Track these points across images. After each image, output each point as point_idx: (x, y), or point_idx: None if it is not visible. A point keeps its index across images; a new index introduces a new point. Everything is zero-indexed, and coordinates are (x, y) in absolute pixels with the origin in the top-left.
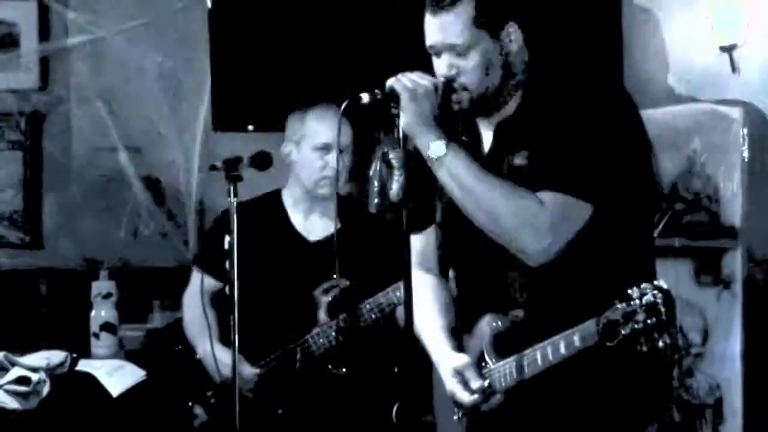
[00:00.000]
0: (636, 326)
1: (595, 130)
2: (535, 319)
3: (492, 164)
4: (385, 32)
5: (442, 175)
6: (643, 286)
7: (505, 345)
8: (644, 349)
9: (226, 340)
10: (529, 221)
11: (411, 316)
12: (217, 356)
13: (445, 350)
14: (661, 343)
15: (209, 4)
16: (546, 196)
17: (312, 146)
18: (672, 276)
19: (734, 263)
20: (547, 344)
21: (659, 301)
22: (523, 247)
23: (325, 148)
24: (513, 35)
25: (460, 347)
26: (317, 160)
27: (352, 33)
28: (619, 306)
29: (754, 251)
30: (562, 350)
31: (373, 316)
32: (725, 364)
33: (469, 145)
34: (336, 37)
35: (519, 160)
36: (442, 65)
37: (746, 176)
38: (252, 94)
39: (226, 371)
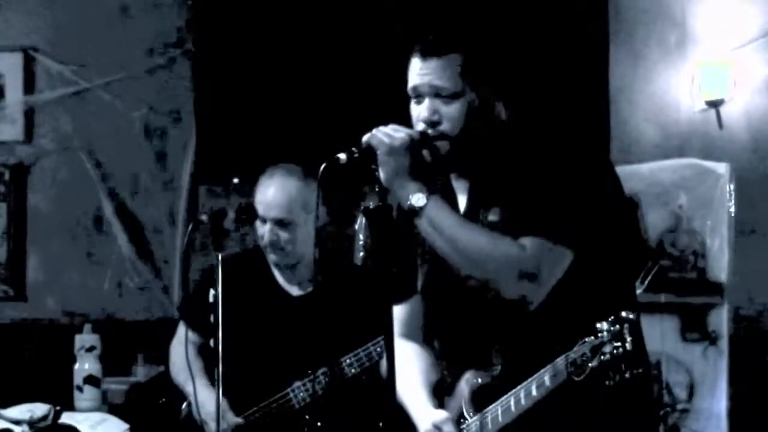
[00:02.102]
0: (603, 358)
1: (571, 180)
2: (513, 372)
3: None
4: (367, 85)
5: (424, 226)
6: (610, 318)
7: (483, 399)
8: (612, 382)
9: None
10: (513, 266)
11: (393, 374)
12: (203, 400)
13: (425, 407)
14: (628, 375)
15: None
16: (527, 241)
17: (258, 214)
18: (658, 332)
19: (720, 319)
20: (520, 389)
21: (625, 330)
22: (508, 292)
23: (262, 220)
24: (497, 93)
25: (441, 406)
26: (258, 228)
27: (338, 85)
28: (587, 340)
29: (741, 307)
30: (534, 392)
31: (353, 371)
32: (711, 421)
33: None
34: (321, 89)
35: (492, 216)
36: (424, 110)
37: (733, 232)
38: (236, 148)
39: (210, 418)
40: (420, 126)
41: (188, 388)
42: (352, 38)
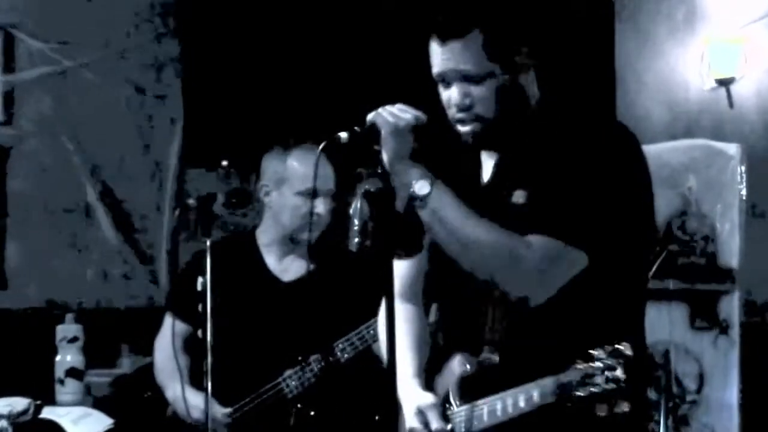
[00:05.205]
0: (592, 389)
1: (599, 176)
2: (507, 364)
3: (489, 196)
4: (364, 66)
5: (425, 215)
6: (606, 348)
7: (471, 389)
8: (602, 414)
9: (197, 384)
10: (515, 265)
11: (394, 357)
12: (188, 399)
13: (412, 387)
14: (617, 410)
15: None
16: (536, 239)
17: (295, 191)
18: (666, 320)
19: (731, 307)
20: (508, 395)
21: (618, 367)
22: (508, 291)
23: (310, 194)
24: (525, 64)
25: (429, 384)
26: (302, 205)
27: (330, 66)
28: (579, 366)
29: (752, 294)
30: (521, 404)
31: (346, 355)
32: (722, 413)
33: (468, 176)
34: (314, 69)
35: (518, 199)
36: (455, 95)
37: (744, 216)
38: (226, 129)
39: (197, 414)
40: (452, 111)
41: (169, 393)
42: (346, 17)
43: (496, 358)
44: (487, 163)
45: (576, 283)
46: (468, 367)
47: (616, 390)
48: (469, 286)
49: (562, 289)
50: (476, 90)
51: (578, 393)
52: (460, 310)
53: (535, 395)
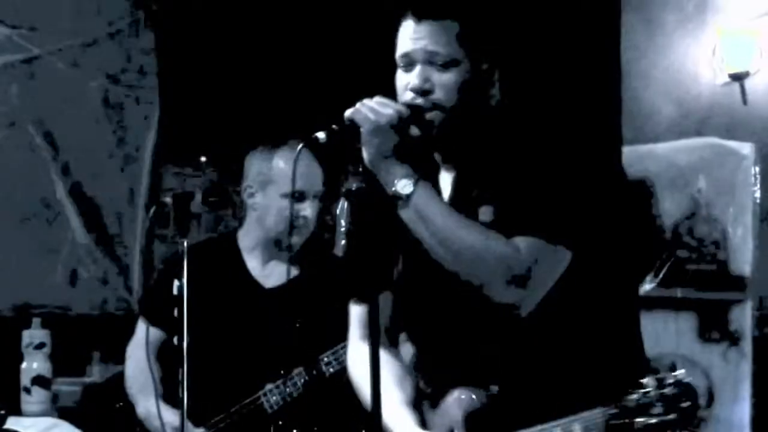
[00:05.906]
0: (651, 421)
1: (571, 173)
2: (513, 395)
3: None
4: (344, 57)
5: (409, 216)
6: (660, 376)
7: (480, 426)
8: None
9: (170, 398)
10: (504, 269)
11: (378, 379)
12: (162, 416)
13: (407, 424)
14: None
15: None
16: (521, 241)
17: (281, 192)
18: (673, 331)
19: (743, 317)
20: (541, 429)
21: (680, 394)
22: (497, 296)
23: (296, 197)
24: (493, 65)
25: (422, 423)
26: (288, 208)
27: (313, 58)
28: (634, 395)
29: (766, 304)
30: None
31: (332, 370)
32: (732, 431)
33: None
34: (295, 61)
35: (485, 216)
36: (414, 77)
37: (757, 220)
38: (204, 122)
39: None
40: (408, 95)
41: (140, 408)
42: (327, 7)
43: (495, 387)
44: (445, 181)
45: (564, 292)
46: (474, 399)
47: (676, 420)
48: (451, 314)
49: (550, 301)
50: (439, 77)
51: (636, 425)
52: (442, 342)
53: (577, 428)
